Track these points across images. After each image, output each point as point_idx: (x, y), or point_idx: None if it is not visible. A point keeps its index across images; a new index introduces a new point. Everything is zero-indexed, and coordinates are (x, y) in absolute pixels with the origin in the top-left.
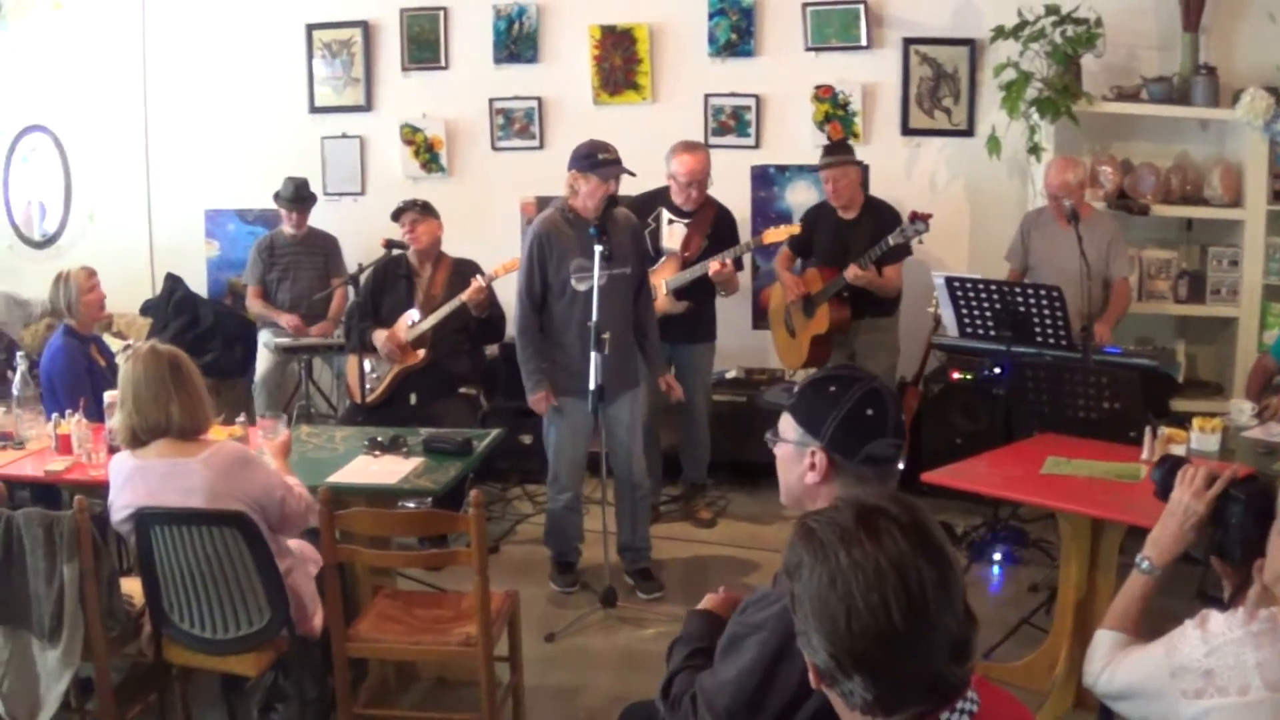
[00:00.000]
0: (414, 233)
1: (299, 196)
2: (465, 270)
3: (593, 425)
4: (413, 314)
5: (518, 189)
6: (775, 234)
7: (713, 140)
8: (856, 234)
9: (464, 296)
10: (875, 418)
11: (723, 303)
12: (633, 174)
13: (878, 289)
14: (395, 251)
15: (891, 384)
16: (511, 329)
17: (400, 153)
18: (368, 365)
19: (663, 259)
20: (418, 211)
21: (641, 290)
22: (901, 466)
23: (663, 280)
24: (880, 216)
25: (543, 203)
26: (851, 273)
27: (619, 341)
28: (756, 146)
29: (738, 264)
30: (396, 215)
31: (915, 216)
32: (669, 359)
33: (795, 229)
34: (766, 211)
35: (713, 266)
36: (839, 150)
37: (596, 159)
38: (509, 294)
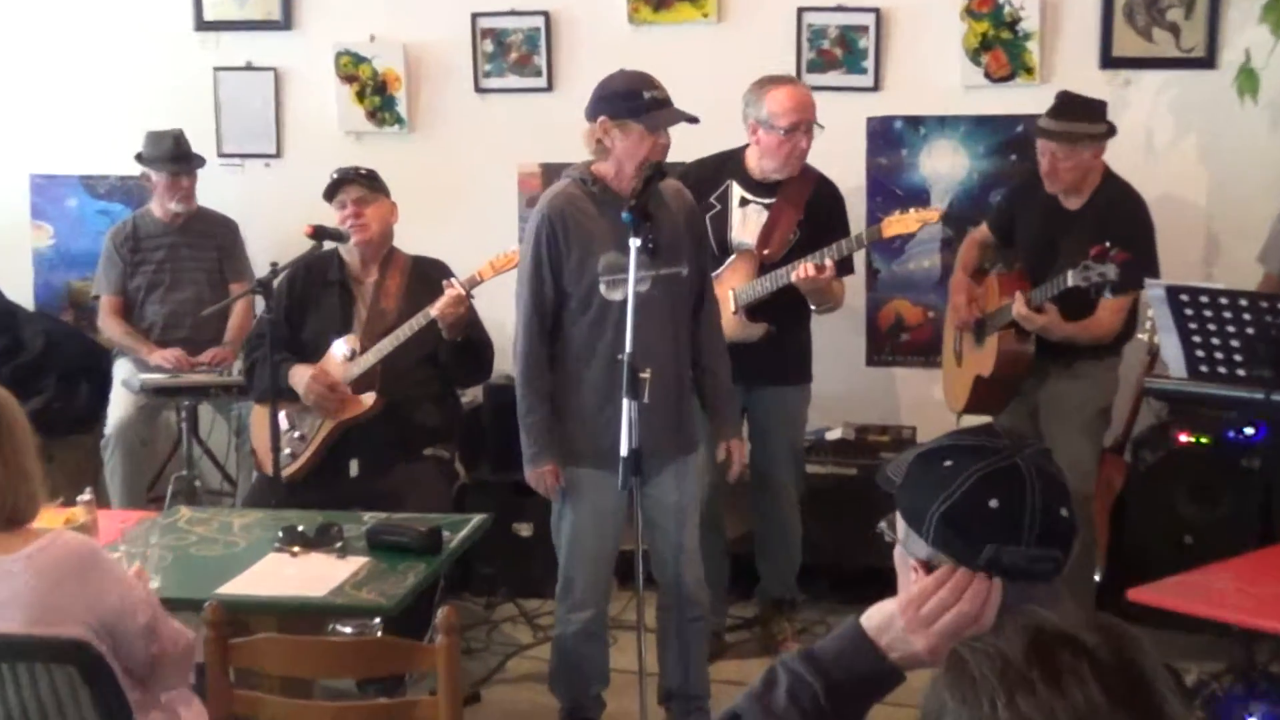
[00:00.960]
0: (358, 217)
1: (178, 155)
2: (430, 274)
3: (625, 511)
4: (351, 341)
5: (514, 151)
6: (901, 222)
7: (808, 80)
8: (1074, 234)
9: (432, 312)
10: (1003, 512)
11: (823, 326)
12: (694, 119)
13: (1063, 337)
14: (327, 246)
15: (1092, 461)
16: (505, 362)
17: (336, 95)
18: (284, 419)
19: (731, 259)
20: (363, 185)
21: (703, 302)
22: (1098, 578)
23: (731, 291)
24: (1112, 213)
25: (552, 173)
26: (1018, 310)
27: (667, 381)
28: (875, 88)
29: (843, 267)
30: (331, 191)
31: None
32: (741, 408)
33: (933, 214)
34: (889, 187)
35: (802, 270)
36: (1077, 112)
37: (641, 98)
38: (500, 308)
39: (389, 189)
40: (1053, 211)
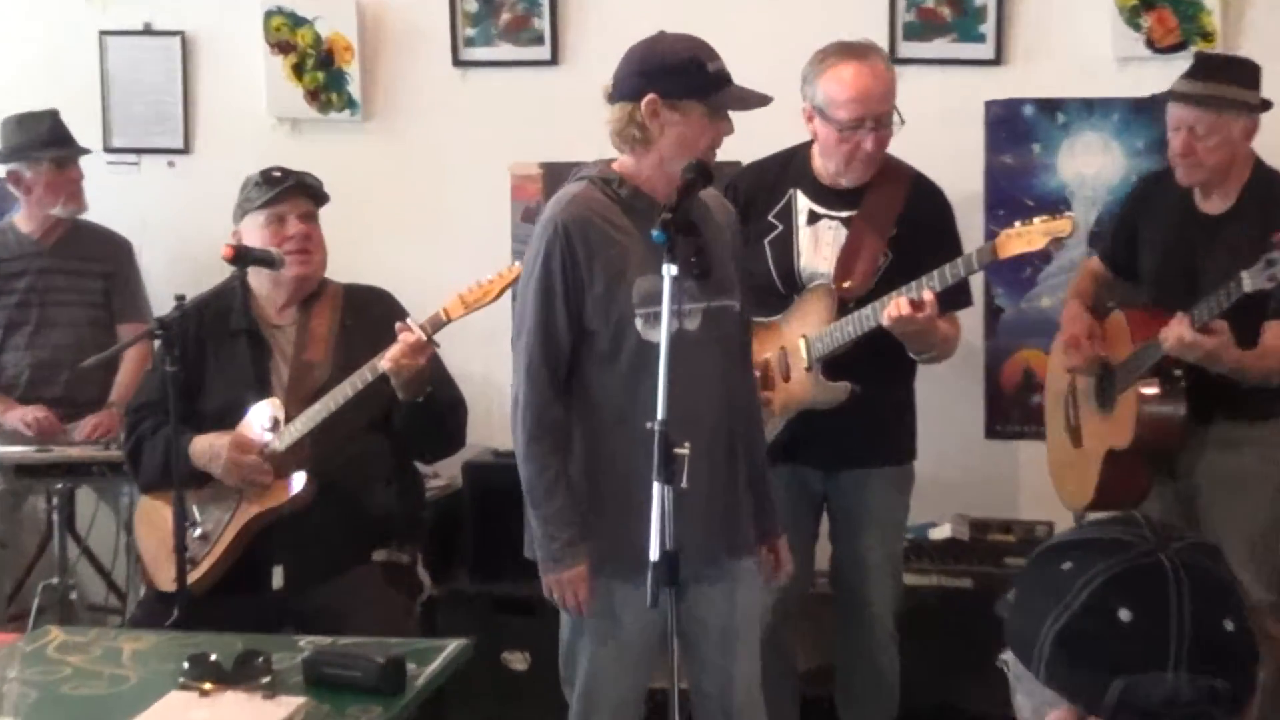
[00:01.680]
0: (307, 241)
1: (53, 140)
2: (372, 310)
3: (658, 635)
4: (273, 407)
5: (506, 145)
6: (1023, 237)
7: (904, 50)
8: (1221, 247)
9: (381, 365)
10: (1139, 627)
11: (927, 383)
12: (767, 100)
13: (1234, 368)
14: (253, 273)
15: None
16: (486, 431)
17: (266, 69)
18: (190, 510)
19: (801, 296)
20: (302, 194)
21: (745, 342)
22: None
23: (802, 339)
24: (1271, 216)
25: (558, 175)
26: (1174, 334)
27: (715, 457)
28: (997, 61)
29: (953, 299)
30: (272, 199)
31: None
32: (819, 499)
33: (1065, 225)
34: (1016, 195)
35: (894, 307)
36: (1222, 73)
37: (705, 71)
38: (477, 356)
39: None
40: (1187, 218)
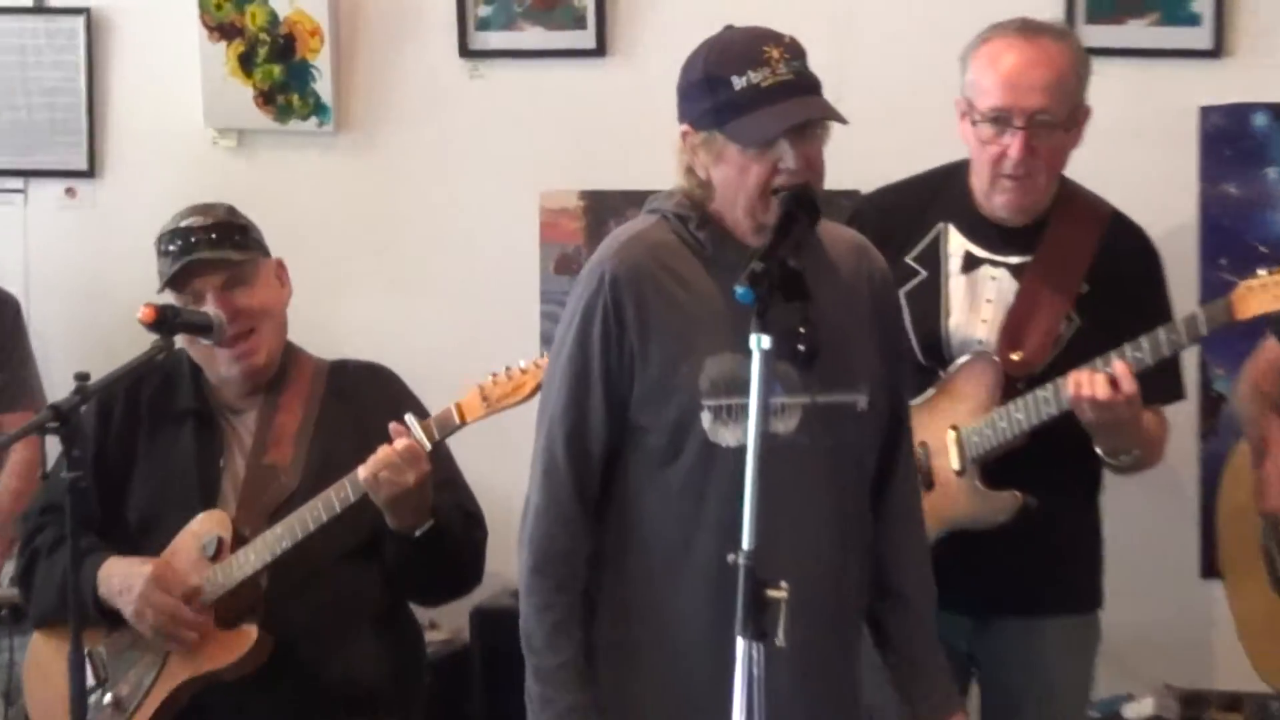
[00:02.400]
0: (236, 321)
1: None
2: (365, 396)
3: None
4: (217, 523)
5: (534, 167)
6: (1270, 291)
7: (1087, 36)
8: None
9: (361, 474)
10: None
11: (1122, 498)
12: (842, 120)
13: None
14: (179, 344)
15: None
16: (508, 563)
17: (201, 62)
18: (98, 662)
19: (951, 371)
20: (228, 258)
21: (894, 461)
22: None
23: (952, 433)
24: None
25: (601, 209)
26: None
27: (823, 609)
28: (1215, 53)
29: (1159, 383)
30: (182, 251)
31: None
32: (965, 659)
33: None
34: (1242, 235)
35: (1084, 386)
36: None
37: (728, 87)
38: (505, 461)
39: (266, 245)
40: None
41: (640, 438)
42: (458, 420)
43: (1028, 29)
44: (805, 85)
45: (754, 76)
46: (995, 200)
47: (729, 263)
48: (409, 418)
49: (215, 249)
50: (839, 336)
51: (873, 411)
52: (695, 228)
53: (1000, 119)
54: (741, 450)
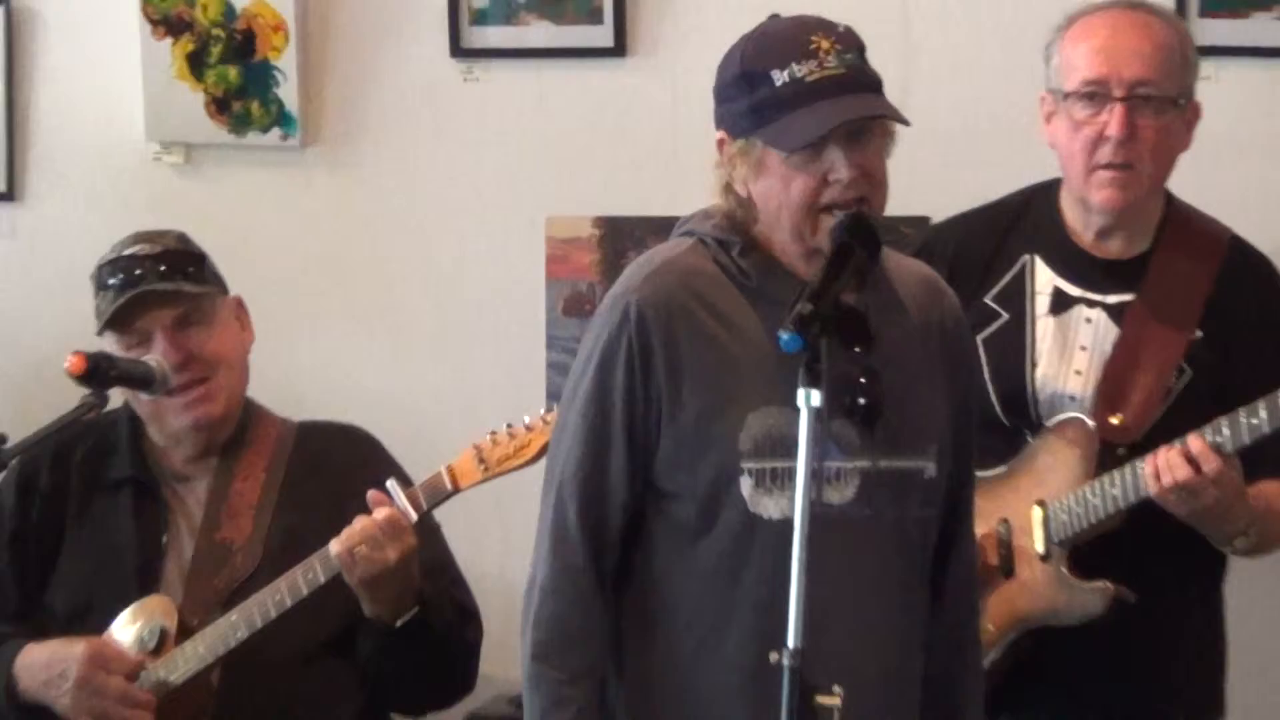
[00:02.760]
0: (189, 369)
1: None
2: (336, 462)
3: None
4: (160, 610)
5: (537, 190)
6: None
7: (1199, 32)
8: None
9: (334, 549)
10: None
11: (1246, 588)
12: (904, 122)
13: None
14: (111, 407)
15: None
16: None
17: (142, 62)
18: None
19: (1042, 433)
20: (185, 277)
21: (956, 534)
22: None
23: (1037, 511)
24: None
25: (620, 237)
26: None
27: (881, 710)
28: None
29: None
30: (126, 284)
31: None
32: None
33: None
34: None
35: (1163, 470)
36: None
37: (768, 83)
38: (493, 540)
39: (224, 280)
40: None
41: (667, 505)
42: (450, 487)
43: (1124, 3)
44: (860, 81)
45: (798, 70)
46: (1092, 199)
47: (777, 296)
48: (391, 484)
49: (166, 280)
50: (905, 389)
51: (941, 479)
52: (738, 254)
53: (1096, 93)
54: (787, 523)
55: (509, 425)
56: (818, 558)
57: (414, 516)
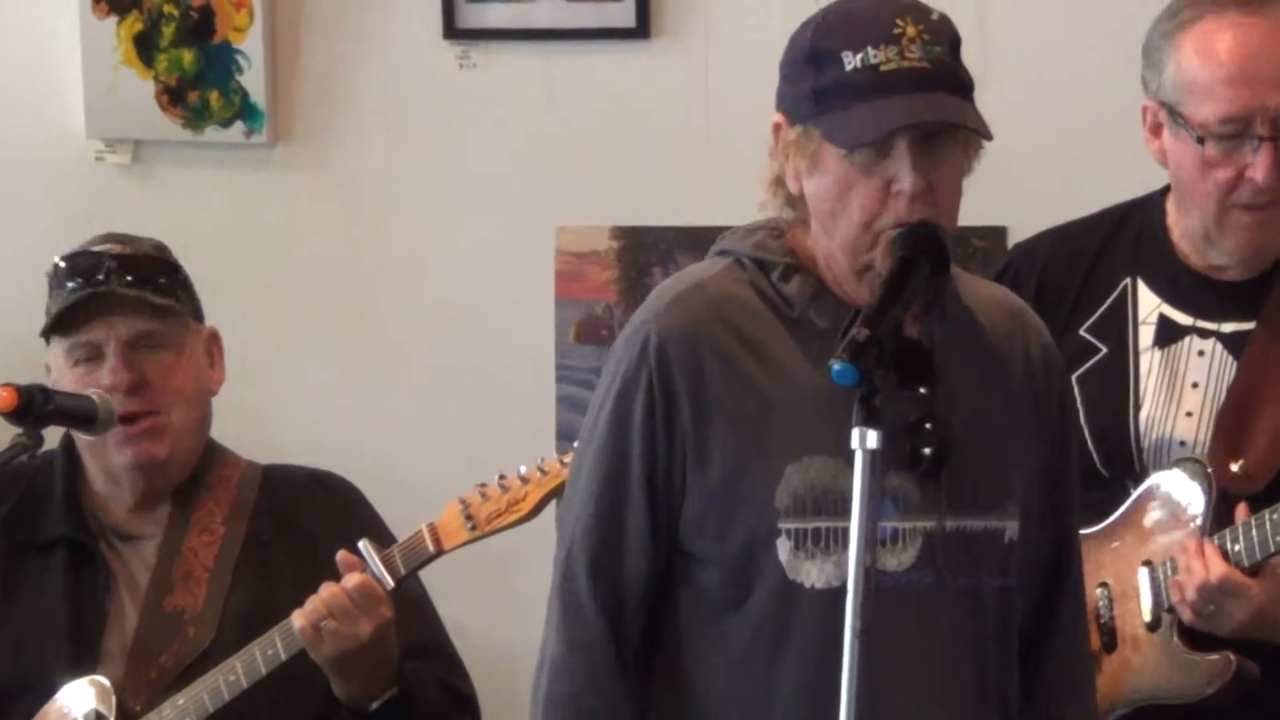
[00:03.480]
0: (138, 396)
1: None
2: (308, 513)
3: None
4: (96, 693)
5: (546, 195)
6: None
7: None
8: None
9: (297, 623)
10: None
11: None
12: (986, 135)
13: None
14: (44, 450)
15: None
16: None
17: (81, 43)
18: None
19: (1149, 483)
20: (154, 289)
21: (1055, 604)
22: None
23: (1144, 572)
24: None
25: (641, 251)
26: None
27: None
28: None
29: None
30: (63, 323)
31: None
32: None
33: None
34: None
35: (1196, 577)
36: None
37: (838, 65)
38: (490, 605)
39: (200, 306)
40: None
41: (694, 569)
42: (431, 549)
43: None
44: (943, 79)
45: (873, 55)
46: (1225, 243)
47: (823, 327)
48: (364, 544)
49: (131, 287)
50: (980, 436)
51: (1026, 543)
52: (779, 278)
53: (1234, 132)
54: (834, 593)
55: (501, 477)
56: (873, 634)
57: (390, 583)
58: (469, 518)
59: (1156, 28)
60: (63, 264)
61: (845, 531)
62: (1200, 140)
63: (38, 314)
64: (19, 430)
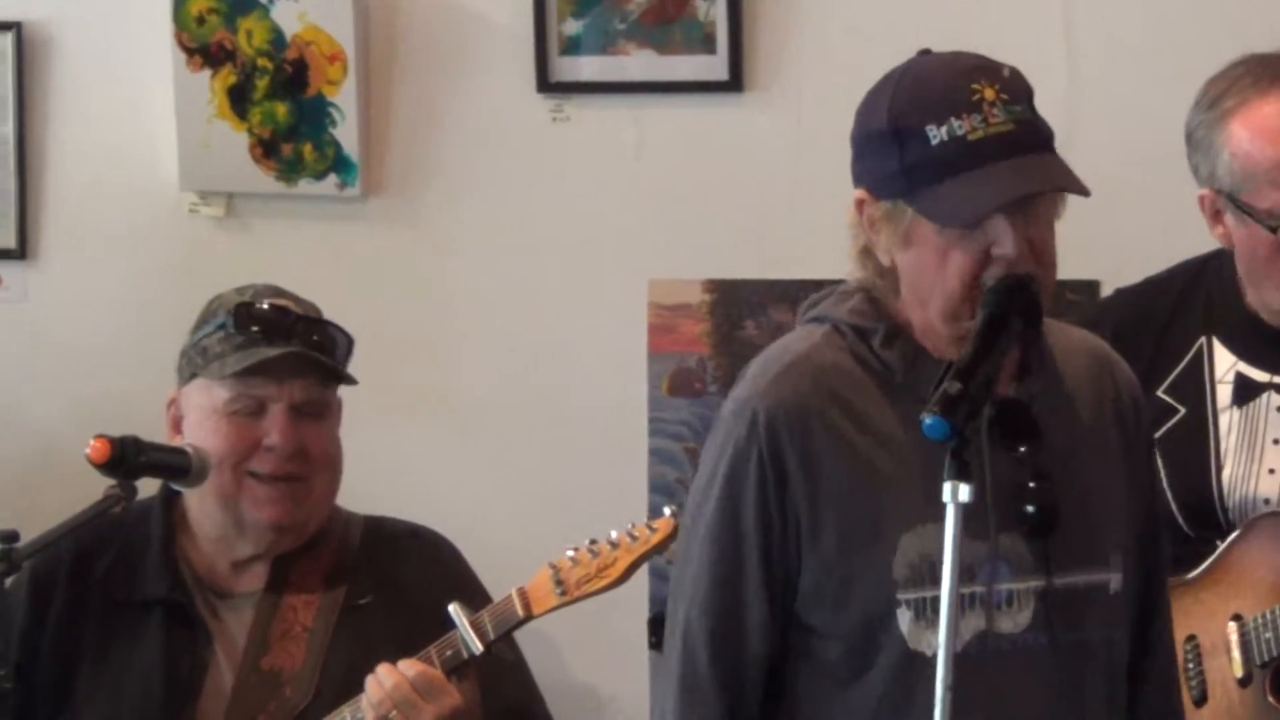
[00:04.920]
0: (294, 461)
1: None
2: (406, 573)
3: None
4: None
5: (638, 247)
6: None
7: None
8: None
9: (368, 716)
10: None
11: None
12: (1085, 192)
13: None
14: (140, 499)
15: None
16: None
17: (175, 96)
18: None
19: (1234, 540)
20: (312, 366)
21: (1152, 655)
22: None
23: (1234, 627)
24: None
25: (735, 304)
26: None
27: None
28: None
29: None
30: (236, 368)
31: None
32: None
33: None
34: None
35: None
36: None
37: (924, 141)
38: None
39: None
40: None
41: (813, 643)
42: (521, 613)
43: None
44: (1031, 139)
45: (958, 126)
46: None
47: (926, 393)
48: (454, 608)
49: (320, 351)
50: (1079, 488)
51: (1125, 594)
52: (879, 344)
53: None
54: (955, 660)
55: (591, 542)
56: (988, 697)
57: (479, 648)
58: (559, 582)
59: (1198, 117)
60: (241, 309)
61: (963, 597)
62: (1274, 230)
63: (133, 366)
64: (112, 481)
